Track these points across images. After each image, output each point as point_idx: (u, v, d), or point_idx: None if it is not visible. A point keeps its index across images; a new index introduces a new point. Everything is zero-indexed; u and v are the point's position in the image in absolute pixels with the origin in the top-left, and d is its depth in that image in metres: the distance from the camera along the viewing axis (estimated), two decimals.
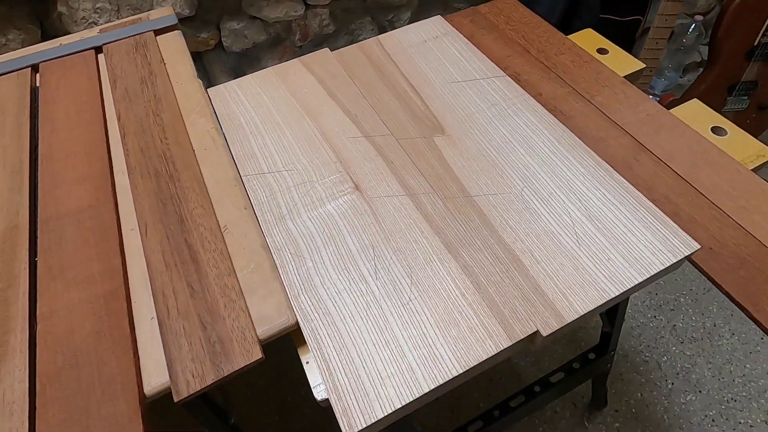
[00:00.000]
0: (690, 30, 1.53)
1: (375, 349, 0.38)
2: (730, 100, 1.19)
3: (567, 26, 1.40)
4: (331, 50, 0.66)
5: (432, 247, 0.44)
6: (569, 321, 0.39)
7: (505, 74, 0.61)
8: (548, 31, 0.70)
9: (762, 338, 1.14)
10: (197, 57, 1.10)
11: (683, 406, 1.09)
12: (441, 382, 0.36)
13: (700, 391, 1.09)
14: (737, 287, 0.44)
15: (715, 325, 1.16)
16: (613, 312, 0.84)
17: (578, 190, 0.48)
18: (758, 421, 1.05)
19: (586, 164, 0.50)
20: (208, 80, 1.13)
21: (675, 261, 0.42)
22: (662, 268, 0.41)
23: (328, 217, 0.47)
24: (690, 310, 1.19)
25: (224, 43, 1.10)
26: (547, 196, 0.47)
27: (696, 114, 0.59)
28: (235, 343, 0.38)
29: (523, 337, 0.38)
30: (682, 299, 1.21)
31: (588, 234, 0.44)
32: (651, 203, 0.47)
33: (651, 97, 1.75)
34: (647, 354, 1.13)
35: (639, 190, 0.49)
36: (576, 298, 0.40)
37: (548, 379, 0.88)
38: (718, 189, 0.51)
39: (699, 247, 0.42)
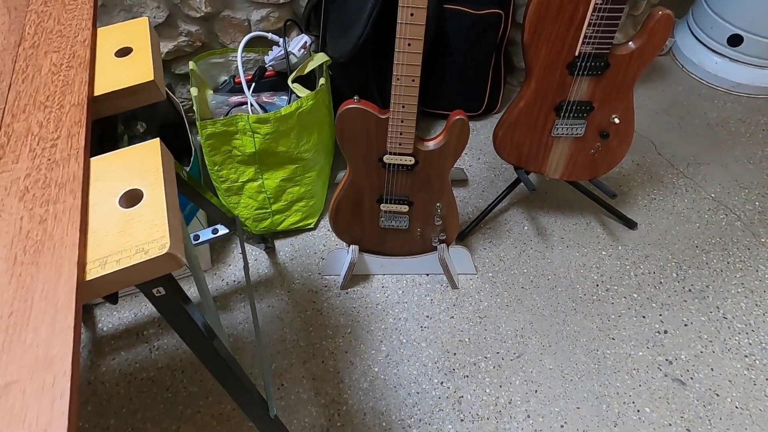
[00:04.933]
0: None
1: None
2: (559, 124, 0.93)
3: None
4: None
5: None
6: None
7: None
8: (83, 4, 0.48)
9: (564, 422, 0.91)
10: None
11: None
12: None
13: None
14: None
15: (510, 402, 0.94)
16: None
17: None
18: None
19: None
20: None
21: None
22: None
23: None
24: (488, 380, 0.97)
25: None
26: None
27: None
28: None
29: None
30: (483, 364, 0.99)
31: None
32: None
33: None
34: (415, 430, 0.92)
35: None
36: None
37: None
38: None
39: None
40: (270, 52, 1.16)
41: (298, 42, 1.12)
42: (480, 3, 1.16)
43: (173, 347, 1.02)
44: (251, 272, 1.14)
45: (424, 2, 0.69)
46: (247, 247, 1.19)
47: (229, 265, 1.16)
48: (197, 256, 0.65)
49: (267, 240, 1.16)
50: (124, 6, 1.05)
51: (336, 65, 1.15)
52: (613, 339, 1.00)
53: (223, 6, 1.15)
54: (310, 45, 1.13)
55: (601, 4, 0.76)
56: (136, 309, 1.08)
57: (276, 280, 1.13)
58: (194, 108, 0.98)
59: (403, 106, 0.80)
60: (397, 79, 0.77)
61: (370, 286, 1.11)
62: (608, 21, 0.77)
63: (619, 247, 1.13)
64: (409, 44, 0.73)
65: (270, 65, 1.16)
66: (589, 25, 0.78)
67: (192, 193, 0.69)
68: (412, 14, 0.70)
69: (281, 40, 1.12)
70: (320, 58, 1.12)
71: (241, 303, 1.09)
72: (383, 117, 0.82)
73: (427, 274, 1.11)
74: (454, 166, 1.31)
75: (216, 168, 1.01)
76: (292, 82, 1.07)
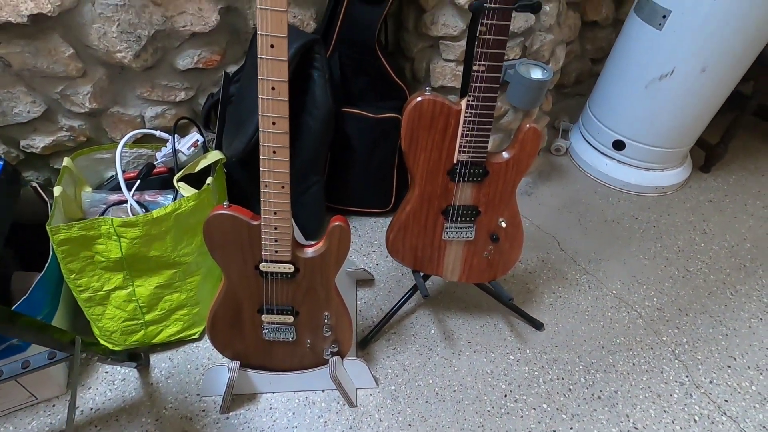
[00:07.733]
0: None
1: None
2: (448, 227, 0.92)
3: (296, 123, 1.15)
4: None
5: None
6: None
7: None
8: None
9: None
10: None
11: None
12: None
13: None
14: None
15: None
16: None
17: None
18: None
19: None
20: None
21: None
22: None
23: None
24: None
25: None
26: None
27: None
28: None
29: None
30: None
31: None
32: None
33: None
34: None
35: None
36: None
37: None
38: None
39: None
40: (163, 148, 1.11)
41: (188, 140, 1.08)
42: (378, 107, 1.19)
43: None
44: (113, 395, 0.97)
45: (286, 112, 0.67)
46: (112, 367, 1.02)
47: (89, 389, 0.98)
48: None
49: (139, 356, 1.01)
50: None
51: (235, 161, 1.11)
52: None
53: (112, 102, 1.10)
54: (202, 143, 1.10)
55: (469, 117, 0.78)
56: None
57: (144, 404, 0.96)
58: (54, 209, 0.88)
59: (275, 213, 0.75)
60: (266, 186, 0.73)
61: (256, 407, 0.96)
62: (479, 132, 0.79)
63: (527, 351, 1.08)
64: (274, 152, 0.70)
65: (160, 162, 1.10)
66: (463, 135, 0.80)
67: None
68: (273, 123, 0.68)
69: (170, 137, 1.07)
70: (214, 156, 1.07)
71: None
72: (255, 223, 0.76)
73: (323, 391, 0.99)
74: (359, 266, 1.26)
75: (73, 276, 0.89)
76: (179, 180, 1.01)
